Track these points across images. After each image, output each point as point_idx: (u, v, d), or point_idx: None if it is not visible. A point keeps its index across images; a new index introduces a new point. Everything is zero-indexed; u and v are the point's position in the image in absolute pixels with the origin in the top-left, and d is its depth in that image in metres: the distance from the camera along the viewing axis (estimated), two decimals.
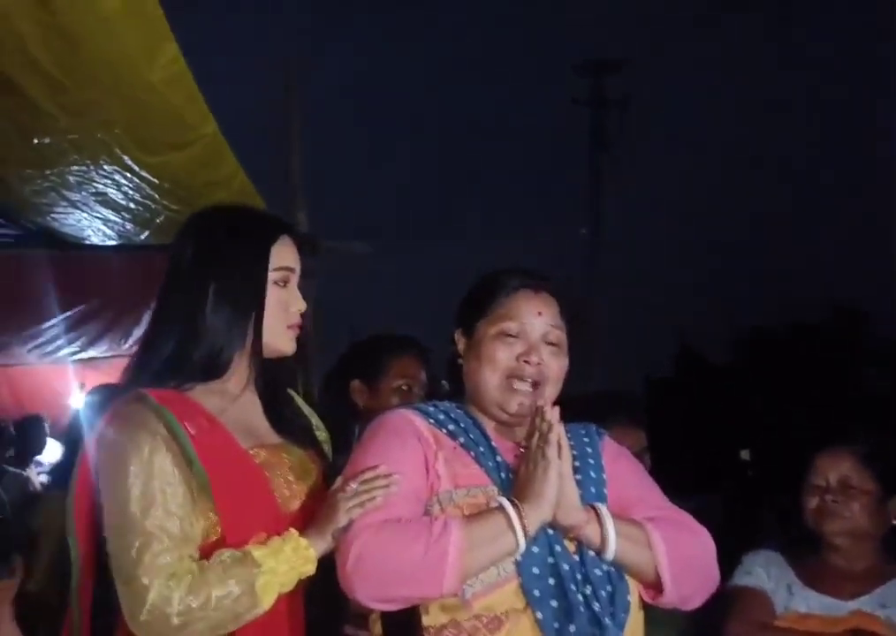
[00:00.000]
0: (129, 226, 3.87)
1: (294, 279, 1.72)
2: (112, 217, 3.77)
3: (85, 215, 3.75)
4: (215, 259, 1.67)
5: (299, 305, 1.72)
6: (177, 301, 1.68)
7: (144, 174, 3.36)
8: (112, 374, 4.48)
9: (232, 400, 1.67)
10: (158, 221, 3.75)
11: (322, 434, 1.83)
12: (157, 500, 1.51)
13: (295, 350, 1.74)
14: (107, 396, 3.13)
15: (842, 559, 2.18)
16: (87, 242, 4.08)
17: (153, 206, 3.61)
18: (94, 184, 3.48)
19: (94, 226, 3.89)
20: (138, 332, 4.56)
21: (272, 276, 1.67)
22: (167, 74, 2.79)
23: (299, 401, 1.85)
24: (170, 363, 1.64)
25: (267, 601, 1.50)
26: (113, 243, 4.09)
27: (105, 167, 3.33)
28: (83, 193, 3.55)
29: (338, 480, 1.59)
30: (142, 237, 3.99)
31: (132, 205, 3.62)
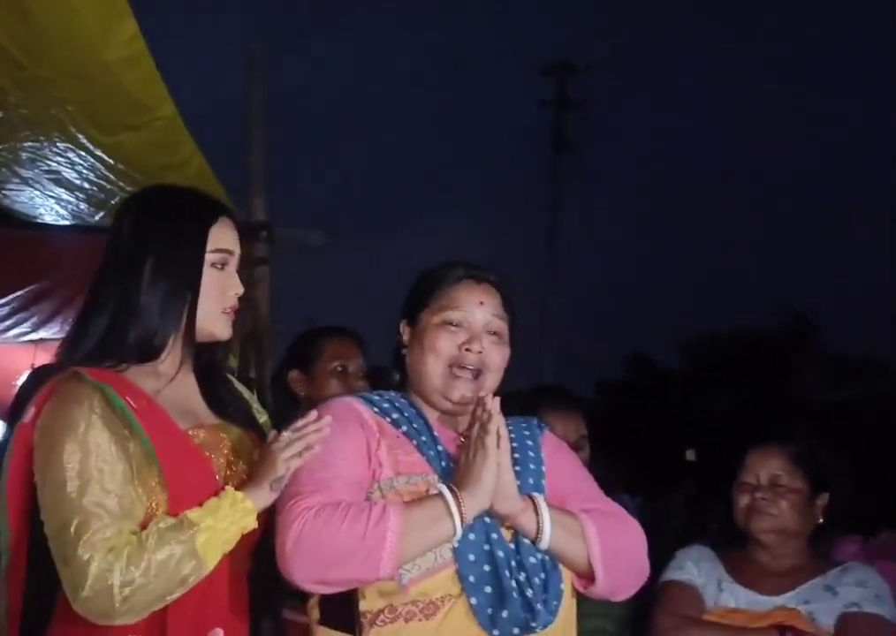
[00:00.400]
0: (83, 206, 3.81)
1: (233, 262, 1.70)
2: (66, 196, 3.71)
3: (37, 193, 3.68)
4: (152, 237, 1.65)
5: (237, 288, 1.70)
6: (112, 279, 1.65)
7: (99, 153, 3.31)
8: None
9: (168, 382, 1.66)
10: (113, 202, 3.68)
11: (262, 417, 1.83)
12: (94, 478, 1.50)
13: (230, 335, 1.73)
14: (43, 376, 3.11)
15: (769, 556, 2.24)
16: (40, 221, 4.01)
17: (108, 187, 3.55)
18: (48, 161, 3.41)
19: (47, 205, 3.82)
20: None
21: (209, 257, 1.66)
22: (124, 53, 2.74)
23: (237, 383, 1.85)
24: (104, 343, 1.62)
25: (211, 560, 1.50)
26: (67, 223, 4.02)
27: (59, 144, 3.27)
28: (35, 171, 3.49)
29: (271, 435, 1.61)
30: (97, 218, 3.92)
31: (86, 185, 3.56)
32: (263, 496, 1.55)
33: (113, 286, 1.65)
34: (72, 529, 1.48)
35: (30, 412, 1.59)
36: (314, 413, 1.60)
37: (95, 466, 1.51)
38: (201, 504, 1.54)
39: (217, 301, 1.68)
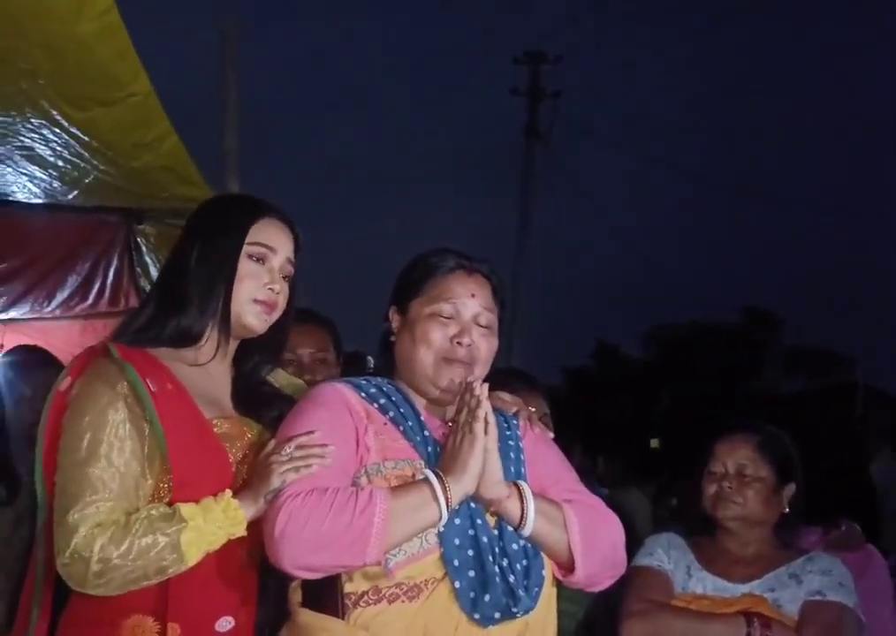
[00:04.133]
0: (56, 185, 3.74)
1: (274, 260, 1.74)
2: (39, 174, 3.63)
3: (10, 169, 3.60)
4: (199, 231, 1.74)
5: (274, 284, 1.73)
6: (164, 272, 1.78)
7: (73, 130, 3.24)
8: (34, 335, 4.36)
9: (200, 369, 1.71)
10: (87, 181, 3.63)
11: None
12: (102, 451, 1.55)
13: (264, 329, 1.76)
14: (23, 357, 3.08)
15: (736, 544, 2.30)
16: (11, 199, 3.94)
17: (81, 165, 3.49)
18: (20, 137, 3.34)
19: (19, 182, 3.74)
20: (62, 295, 4.43)
21: (247, 248, 1.71)
22: (97, 26, 2.69)
23: (284, 381, 1.88)
24: (147, 328, 1.69)
25: (191, 558, 1.53)
26: (39, 201, 3.96)
27: (32, 120, 3.20)
28: (8, 147, 3.41)
29: (271, 444, 1.62)
30: (70, 196, 3.86)
31: (59, 162, 3.49)
32: (256, 507, 1.57)
33: (164, 279, 1.76)
34: (71, 494, 1.53)
35: (66, 381, 1.66)
36: (318, 435, 1.58)
37: (107, 441, 1.55)
38: (214, 494, 1.57)
39: (249, 290, 1.71)
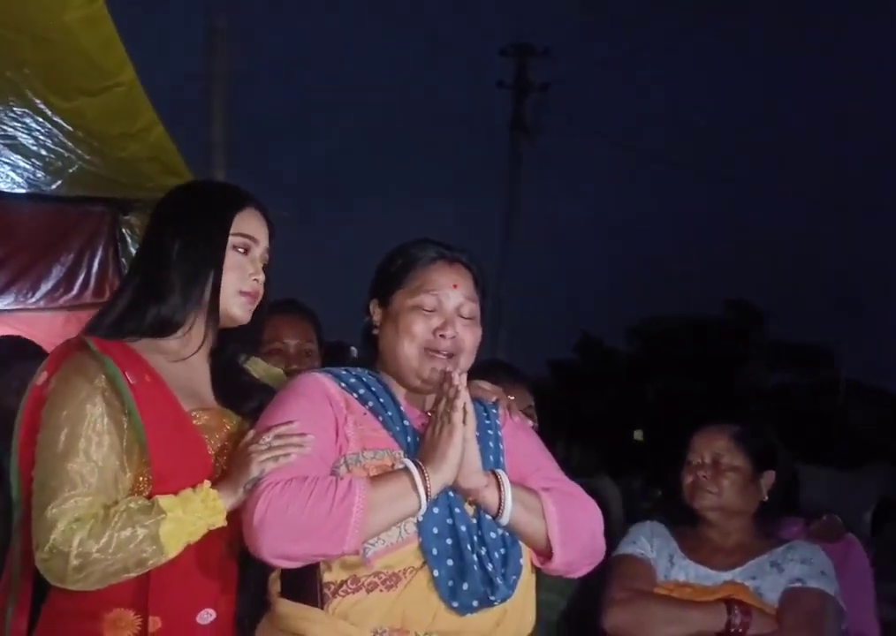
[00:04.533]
0: (40, 174, 3.71)
1: (256, 251, 1.75)
2: (22, 164, 3.61)
3: None
4: (180, 219, 1.72)
5: (258, 274, 1.75)
6: (142, 261, 1.73)
7: (57, 120, 3.23)
8: (17, 326, 4.33)
9: (179, 361, 1.70)
10: (71, 171, 3.61)
11: None
12: (80, 446, 1.54)
13: (248, 319, 1.76)
14: (10, 348, 3.06)
15: (716, 533, 2.32)
16: None
17: (65, 154, 3.47)
18: (3, 126, 3.32)
19: (2, 172, 3.71)
20: (46, 286, 4.41)
21: (232, 240, 1.71)
22: (83, 14, 2.67)
23: (262, 371, 1.88)
24: (124, 317, 1.68)
25: (171, 549, 1.53)
26: (22, 191, 3.94)
27: (15, 109, 3.19)
28: None
29: (250, 434, 1.62)
30: (53, 186, 3.83)
31: (43, 152, 3.47)
32: (235, 497, 1.57)
33: (142, 265, 1.73)
34: (49, 490, 1.53)
35: (42, 376, 1.65)
36: (297, 425, 1.59)
37: (85, 435, 1.55)
38: (193, 486, 1.57)
39: (236, 282, 1.72)
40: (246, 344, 1.83)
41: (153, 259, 1.72)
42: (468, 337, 1.71)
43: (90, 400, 1.57)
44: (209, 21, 4.97)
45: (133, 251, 4.45)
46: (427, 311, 1.68)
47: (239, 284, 1.72)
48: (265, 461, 1.54)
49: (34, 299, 4.47)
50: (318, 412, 1.62)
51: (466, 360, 1.71)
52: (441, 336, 1.67)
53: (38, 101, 3.14)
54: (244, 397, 1.75)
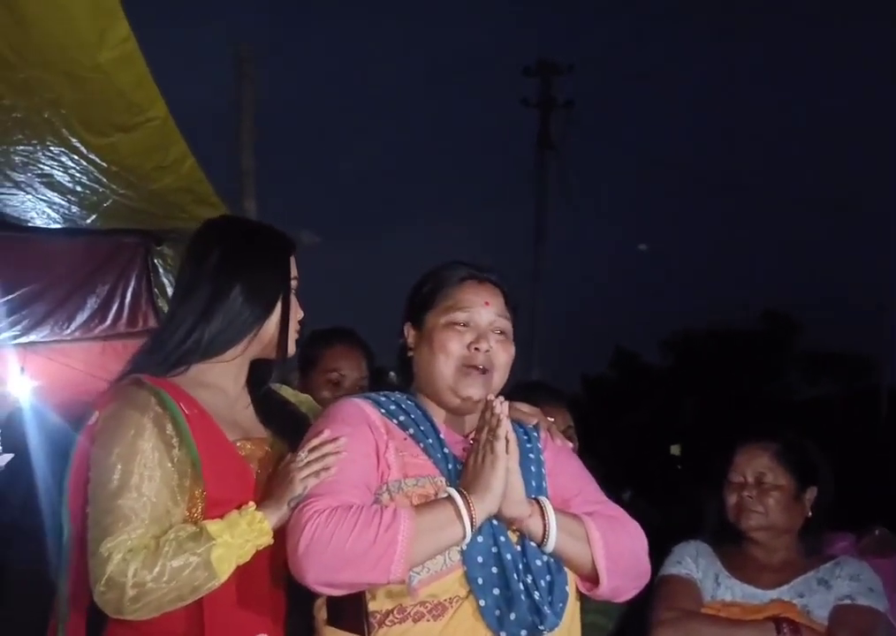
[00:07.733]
0: (75, 209, 3.79)
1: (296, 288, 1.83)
2: (58, 200, 3.69)
3: (29, 196, 3.66)
4: (242, 261, 1.76)
5: (301, 313, 1.84)
6: (197, 297, 1.74)
7: (92, 156, 3.30)
8: (54, 358, 4.42)
9: (221, 394, 1.74)
10: (105, 205, 3.68)
11: None
12: (133, 483, 1.57)
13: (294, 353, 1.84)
14: None
15: (762, 551, 2.29)
16: (31, 225, 4.00)
17: (100, 189, 3.54)
18: (40, 165, 3.40)
19: (38, 208, 3.80)
20: (81, 317, 4.50)
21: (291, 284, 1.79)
22: (116, 54, 2.74)
23: (290, 395, 1.92)
24: (173, 351, 1.71)
25: (224, 573, 1.56)
26: (58, 226, 4.02)
27: (52, 148, 3.26)
28: (28, 175, 3.47)
29: (289, 455, 1.65)
30: (88, 221, 3.91)
31: (78, 188, 3.54)
32: (281, 516, 1.59)
33: (197, 303, 1.74)
34: (104, 526, 1.55)
35: (94, 415, 1.68)
36: (328, 432, 1.62)
37: (137, 472, 1.58)
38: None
39: (294, 324, 1.81)
40: (277, 372, 1.87)
41: (211, 297, 1.74)
42: (501, 354, 1.71)
43: (140, 436, 1.60)
44: (237, 50, 5.04)
45: (165, 281, 4.52)
46: (460, 327, 1.69)
47: (296, 326, 1.81)
48: (307, 478, 1.57)
49: (69, 330, 4.55)
50: (360, 439, 1.63)
51: (500, 377, 1.71)
52: (476, 349, 1.67)
53: (74, 139, 3.21)
54: (290, 425, 1.79)
